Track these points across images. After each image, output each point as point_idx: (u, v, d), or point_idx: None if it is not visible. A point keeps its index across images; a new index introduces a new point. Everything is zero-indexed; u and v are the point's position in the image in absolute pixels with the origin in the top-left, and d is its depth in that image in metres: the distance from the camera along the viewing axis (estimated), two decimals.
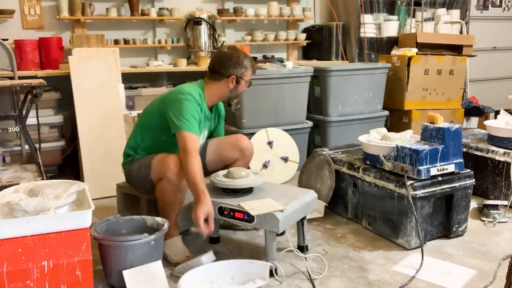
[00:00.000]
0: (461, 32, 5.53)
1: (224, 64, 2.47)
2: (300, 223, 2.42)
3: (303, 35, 5.17)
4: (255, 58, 4.29)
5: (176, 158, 2.26)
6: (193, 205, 2.19)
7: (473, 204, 2.98)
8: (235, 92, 2.53)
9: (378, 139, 2.77)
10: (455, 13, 5.56)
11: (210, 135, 2.73)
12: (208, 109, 2.52)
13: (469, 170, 2.64)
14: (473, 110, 5.05)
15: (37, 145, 3.29)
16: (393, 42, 5.16)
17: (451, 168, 2.53)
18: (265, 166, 3.59)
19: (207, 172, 2.68)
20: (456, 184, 2.55)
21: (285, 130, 3.83)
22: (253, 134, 3.67)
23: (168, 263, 2.33)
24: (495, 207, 2.94)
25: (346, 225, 2.84)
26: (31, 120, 3.20)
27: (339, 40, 5.08)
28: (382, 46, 5.15)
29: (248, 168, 2.78)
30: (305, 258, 2.35)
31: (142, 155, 2.52)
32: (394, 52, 4.89)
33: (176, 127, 2.27)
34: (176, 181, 2.25)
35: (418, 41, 4.82)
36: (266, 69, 3.85)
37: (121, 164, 2.64)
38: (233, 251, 2.52)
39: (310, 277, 2.20)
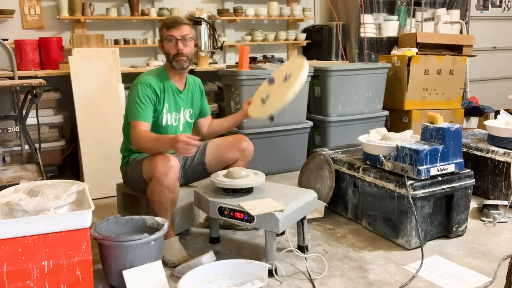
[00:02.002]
0: (461, 32, 5.53)
1: None
2: (300, 223, 2.42)
3: (303, 35, 5.18)
4: (255, 58, 4.30)
5: (164, 158, 2.27)
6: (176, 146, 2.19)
7: (473, 204, 2.98)
8: (165, 54, 2.52)
9: (378, 139, 2.77)
10: (455, 13, 5.57)
11: (199, 115, 2.77)
12: (175, 85, 2.56)
13: (469, 170, 2.63)
14: (473, 110, 5.05)
15: (37, 145, 3.29)
16: (393, 42, 5.17)
17: (451, 168, 2.53)
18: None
19: (207, 173, 2.68)
20: (456, 184, 2.55)
21: (285, 130, 3.83)
22: (253, 134, 3.67)
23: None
24: (495, 207, 2.93)
25: (346, 225, 2.84)
26: (31, 120, 3.20)
27: (339, 40, 5.08)
28: (382, 46, 5.15)
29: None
30: (305, 258, 2.35)
31: (137, 154, 2.55)
32: (394, 52, 4.89)
33: (128, 116, 2.44)
34: (164, 181, 2.25)
35: (418, 41, 4.82)
36: (266, 69, 3.85)
37: (119, 166, 2.66)
38: (233, 251, 2.52)
39: (310, 277, 2.20)
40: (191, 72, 2.59)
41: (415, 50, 4.65)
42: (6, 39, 3.84)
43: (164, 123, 2.52)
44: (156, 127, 2.50)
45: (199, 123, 2.80)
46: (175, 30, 2.46)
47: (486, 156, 3.14)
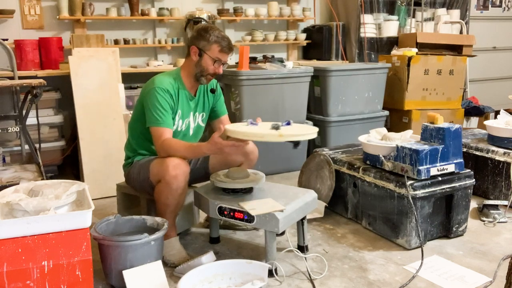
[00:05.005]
0: (461, 32, 5.53)
1: (192, 36, 2.47)
2: (300, 223, 2.42)
3: (303, 35, 5.18)
4: (255, 58, 4.30)
5: (175, 161, 2.26)
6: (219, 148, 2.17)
7: (473, 204, 2.98)
8: (199, 67, 2.42)
9: (378, 139, 2.77)
10: (455, 13, 5.57)
11: (213, 116, 2.67)
12: (189, 91, 2.49)
13: (469, 170, 2.63)
14: (473, 110, 5.05)
15: (37, 145, 3.29)
16: (393, 42, 5.17)
17: (451, 168, 2.53)
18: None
19: (209, 176, 2.64)
20: (456, 184, 2.55)
21: None
22: None
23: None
24: (495, 207, 2.93)
25: (346, 225, 2.84)
26: (31, 120, 3.20)
27: (339, 40, 5.08)
28: (382, 46, 5.15)
29: None
30: (305, 258, 2.35)
31: (141, 157, 2.53)
32: (394, 52, 4.89)
33: (147, 121, 2.38)
34: (174, 183, 2.25)
35: (418, 41, 4.82)
36: (266, 69, 3.85)
37: (122, 165, 2.65)
38: (233, 251, 2.52)
39: (310, 277, 2.20)
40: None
41: (415, 50, 4.65)
42: (6, 39, 3.84)
43: (174, 129, 2.46)
44: None
45: (214, 126, 2.68)
46: (226, 56, 2.44)
47: (486, 156, 3.14)
